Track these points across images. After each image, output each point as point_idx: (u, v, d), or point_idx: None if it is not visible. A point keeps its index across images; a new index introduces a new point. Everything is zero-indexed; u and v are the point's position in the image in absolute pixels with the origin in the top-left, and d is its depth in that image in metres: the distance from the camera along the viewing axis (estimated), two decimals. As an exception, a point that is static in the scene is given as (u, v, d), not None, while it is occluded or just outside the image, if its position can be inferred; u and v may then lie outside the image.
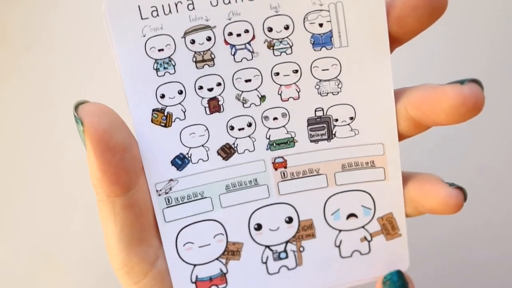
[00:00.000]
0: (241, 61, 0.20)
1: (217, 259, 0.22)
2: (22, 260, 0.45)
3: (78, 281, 0.45)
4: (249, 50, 0.20)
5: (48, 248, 0.45)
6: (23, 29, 0.42)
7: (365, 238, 0.22)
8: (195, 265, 0.22)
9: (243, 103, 0.20)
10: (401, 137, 0.21)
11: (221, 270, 0.22)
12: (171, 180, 0.21)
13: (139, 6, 0.19)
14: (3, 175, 0.43)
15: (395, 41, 0.19)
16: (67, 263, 0.45)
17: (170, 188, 0.21)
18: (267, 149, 0.21)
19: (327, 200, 0.22)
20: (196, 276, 0.22)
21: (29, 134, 0.43)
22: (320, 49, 0.20)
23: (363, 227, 0.22)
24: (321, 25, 0.19)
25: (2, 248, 0.45)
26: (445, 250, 0.44)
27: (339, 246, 0.22)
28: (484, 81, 0.18)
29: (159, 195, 0.21)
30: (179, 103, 0.20)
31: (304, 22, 0.19)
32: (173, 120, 0.20)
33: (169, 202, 0.21)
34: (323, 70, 0.20)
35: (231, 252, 0.22)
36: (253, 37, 0.20)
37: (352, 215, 0.22)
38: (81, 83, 0.43)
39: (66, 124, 0.42)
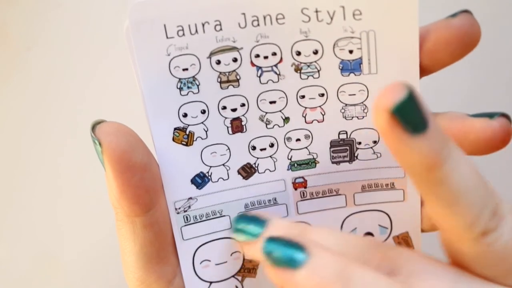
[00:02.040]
0: (267, 83, 0.20)
1: (233, 276, 0.22)
2: (22, 260, 0.44)
3: (78, 282, 0.45)
4: (275, 73, 0.20)
5: (48, 248, 0.44)
6: (23, 29, 0.41)
7: (381, 257, 0.23)
8: (211, 283, 0.22)
9: (266, 124, 0.20)
10: None
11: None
12: (190, 198, 0.21)
13: (164, 25, 0.19)
14: (3, 175, 0.43)
15: (424, 71, 0.19)
16: (68, 263, 0.45)
17: (189, 206, 0.21)
18: (288, 169, 0.21)
19: (344, 220, 0.22)
20: (212, 293, 0.22)
21: (29, 134, 0.42)
22: (349, 74, 0.20)
23: None
24: (351, 51, 0.19)
25: (2, 248, 0.44)
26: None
27: (354, 265, 0.23)
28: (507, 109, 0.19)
29: (178, 213, 0.21)
30: (202, 123, 0.20)
31: (334, 47, 0.19)
32: (194, 139, 0.20)
33: (187, 220, 0.21)
34: (349, 95, 0.20)
35: (247, 269, 0.22)
36: (281, 60, 0.19)
37: (368, 233, 0.22)
38: (81, 83, 0.42)
39: (66, 124, 0.42)
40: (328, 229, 0.18)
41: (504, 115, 0.18)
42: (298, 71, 0.20)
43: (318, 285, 0.15)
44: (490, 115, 0.18)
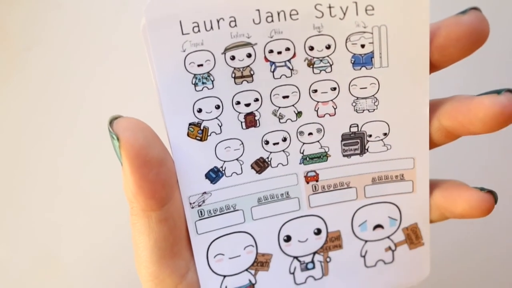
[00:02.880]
0: (280, 78, 0.20)
1: (246, 270, 0.22)
2: (22, 261, 0.44)
3: (78, 282, 0.45)
4: (288, 68, 0.20)
5: (48, 248, 0.44)
6: (23, 29, 0.41)
7: (390, 248, 0.23)
8: (224, 276, 0.22)
9: (279, 119, 0.21)
10: (431, 146, 0.21)
11: (250, 281, 0.22)
12: (204, 193, 0.21)
13: (180, 22, 0.19)
14: (3, 175, 0.43)
15: (433, 67, 0.20)
16: (68, 263, 0.45)
17: (203, 201, 0.21)
18: (300, 163, 0.22)
19: (355, 212, 0.22)
20: (226, 287, 0.22)
21: (29, 134, 0.42)
22: (360, 68, 0.20)
23: (388, 237, 0.23)
24: (363, 46, 0.20)
25: (2, 248, 0.44)
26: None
27: (364, 256, 0.23)
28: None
29: (192, 207, 0.21)
30: (216, 118, 0.20)
31: (346, 42, 0.20)
32: (209, 134, 0.20)
33: (201, 214, 0.21)
34: (361, 88, 0.20)
35: (260, 263, 0.22)
36: (294, 55, 0.20)
37: (378, 226, 0.23)
38: (81, 83, 0.42)
39: (66, 124, 0.42)
40: None
41: (511, 90, 0.18)
42: (311, 66, 0.20)
43: None
44: (498, 91, 0.18)
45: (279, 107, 0.21)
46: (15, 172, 0.43)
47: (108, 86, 0.43)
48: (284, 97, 0.20)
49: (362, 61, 0.20)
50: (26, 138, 0.42)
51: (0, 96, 0.42)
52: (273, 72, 0.20)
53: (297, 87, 0.20)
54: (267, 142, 0.21)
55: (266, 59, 0.20)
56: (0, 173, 0.43)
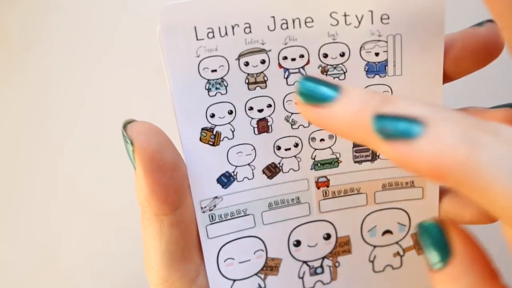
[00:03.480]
0: (294, 84, 0.20)
1: (256, 274, 0.22)
2: (22, 262, 0.44)
3: (78, 282, 0.45)
4: (302, 74, 0.20)
5: (48, 249, 0.44)
6: (23, 29, 0.41)
7: (398, 253, 0.23)
8: (234, 280, 0.22)
9: (291, 125, 0.21)
10: None
11: (259, 285, 0.22)
12: (216, 197, 0.21)
13: (195, 27, 0.19)
14: (3, 175, 0.42)
15: (447, 78, 0.20)
16: (68, 263, 0.44)
17: (215, 205, 0.21)
18: (311, 169, 0.22)
19: (365, 218, 0.23)
20: (235, 291, 0.22)
21: (29, 134, 0.42)
22: (374, 76, 0.20)
23: (397, 242, 0.23)
24: (377, 54, 0.20)
25: (2, 248, 0.44)
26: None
27: (372, 261, 0.23)
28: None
29: (204, 212, 0.21)
30: (229, 123, 0.20)
31: (360, 50, 0.20)
32: (221, 139, 0.20)
33: (212, 219, 0.21)
34: None
35: (270, 267, 0.22)
36: (308, 62, 0.20)
37: (387, 231, 0.23)
38: (81, 83, 0.42)
39: (66, 124, 0.42)
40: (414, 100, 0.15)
41: None
42: (325, 73, 0.20)
43: (441, 151, 0.13)
44: (511, 105, 0.19)
45: (292, 113, 0.21)
46: (15, 172, 0.43)
47: (108, 86, 0.42)
48: None
49: (376, 69, 0.20)
50: (26, 138, 0.42)
51: (0, 96, 0.41)
52: (286, 78, 0.20)
53: None
54: (279, 148, 0.21)
55: (280, 66, 0.20)
56: (0, 173, 0.42)
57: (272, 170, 0.21)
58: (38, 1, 0.41)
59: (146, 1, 0.41)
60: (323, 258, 0.23)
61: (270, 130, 0.21)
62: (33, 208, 0.43)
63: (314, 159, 0.21)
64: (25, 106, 0.42)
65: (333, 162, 0.22)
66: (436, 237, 0.15)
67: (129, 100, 0.42)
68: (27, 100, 0.42)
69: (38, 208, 0.43)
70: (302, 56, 0.20)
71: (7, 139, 0.42)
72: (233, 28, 0.19)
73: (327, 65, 0.20)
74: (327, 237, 0.23)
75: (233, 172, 0.21)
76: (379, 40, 0.20)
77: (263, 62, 0.20)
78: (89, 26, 0.42)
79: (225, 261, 0.22)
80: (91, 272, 0.45)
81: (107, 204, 0.44)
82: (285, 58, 0.20)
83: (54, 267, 0.44)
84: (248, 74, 0.20)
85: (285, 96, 0.20)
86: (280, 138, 0.21)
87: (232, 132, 0.20)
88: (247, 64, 0.20)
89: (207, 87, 0.20)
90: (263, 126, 0.21)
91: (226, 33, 0.19)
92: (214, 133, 0.20)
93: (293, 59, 0.20)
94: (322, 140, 0.21)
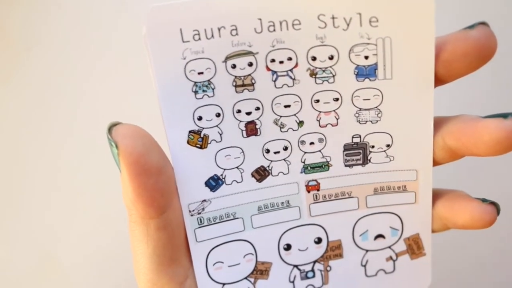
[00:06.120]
0: (282, 87, 0.20)
1: (245, 278, 0.22)
2: (23, 261, 0.44)
3: (78, 282, 0.45)
4: (290, 77, 0.20)
5: (48, 248, 0.44)
6: (23, 29, 0.41)
7: (391, 257, 0.23)
8: (224, 284, 0.22)
9: (280, 128, 0.20)
10: (434, 164, 0.21)
11: None
12: (204, 200, 0.21)
13: (181, 29, 0.19)
14: (3, 175, 0.43)
15: (438, 81, 0.20)
16: (68, 264, 0.45)
17: (203, 209, 0.21)
18: (301, 172, 0.21)
19: (356, 222, 0.22)
20: (225, 295, 0.22)
21: (29, 134, 0.42)
22: (363, 80, 0.20)
23: (389, 247, 0.23)
24: (366, 57, 0.19)
25: (2, 249, 0.44)
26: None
27: (365, 266, 0.23)
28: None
29: (192, 215, 0.21)
30: (216, 126, 0.20)
31: (349, 53, 0.19)
32: (209, 142, 0.20)
33: (201, 222, 0.21)
34: (364, 99, 0.20)
35: (260, 271, 0.22)
36: (296, 65, 0.20)
37: (379, 235, 0.23)
38: (80, 83, 0.42)
39: (66, 123, 0.42)
40: None
41: None
42: (313, 76, 0.20)
43: None
44: (504, 115, 0.18)
45: (281, 116, 0.20)
46: (15, 172, 0.43)
47: (108, 87, 0.42)
48: (285, 106, 0.20)
49: (366, 72, 0.20)
50: (26, 139, 0.42)
51: (0, 96, 0.42)
52: (274, 81, 0.20)
53: (299, 96, 0.20)
54: (268, 151, 0.21)
55: (268, 68, 0.20)
56: (0, 173, 0.43)
57: (261, 173, 0.21)
58: (38, 1, 0.41)
59: (146, 1, 0.41)
60: (314, 262, 0.23)
61: (258, 133, 0.20)
62: (33, 209, 0.43)
63: (304, 162, 0.21)
64: (25, 106, 0.42)
65: (324, 166, 0.21)
66: None
67: (129, 100, 0.42)
68: (27, 100, 0.42)
69: (38, 208, 0.43)
70: (290, 58, 0.19)
71: (7, 139, 0.42)
72: (219, 30, 0.19)
73: (316, 68, 0.20)
74: (318, 241, 0.22)
75: (222, 175, 0.21)
76: (368, 43, 0.19)
77: (250, 64, 0.19)
78: (88, 26, 0.42)
79: (214, 264, 0.22)
80: (91, 272, 0.45)
81: (107, 205, 0.44)
82: (273, 60, 0.19)
83: (53, 267, 0.45)
84: (236, 76, 0.19)
85: (274, 99, 0.20)
86: (269, 141, 0.21)
87: (220, 135, 0.20)
88: (234, 66, 0.19)
89: (194, 90, 0.19)
90: (251, 129, 0.20)
91: (212, 35, 0.19)
92: (202, 136, 0.20)
93: (281, 62, 0.19)
94: (312, 143, 0.21)
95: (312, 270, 0.23)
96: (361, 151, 0.21)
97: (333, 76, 0.20)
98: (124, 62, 0.42)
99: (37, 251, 0.45)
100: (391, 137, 0.21)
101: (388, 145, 0.21)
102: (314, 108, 0.20)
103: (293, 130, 0.21)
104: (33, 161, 0.43)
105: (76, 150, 0.43)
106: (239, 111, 0.20)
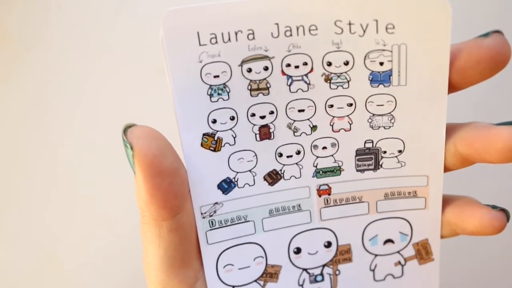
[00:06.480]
0: (296, 91, 0.20)
1: (255, 281, 0.22)
2: (23, 261, 0.44)
3: (78, 283, 0.45)
4: (305, 82, 0.20)
5: (48, 249, 0.44)
6: (23, 29, 0.41)
7: (399, 262, 0.23)
8: (233, 287, 0.22)
9: (294, 132, 0.21)
10: (445, 170, 0.21)
11: None
12: (216, 203, 0.21)
13: (198, 33, 0.19)
14: (3, 175, 0.43)
15: (452, 88, 0.20)
16: (68, 264, 0.45)
17: (215, 211, 0.21)
18: (313, 177, 0.21)
19: (366, 226, 0.22)
20: (234, 297, 0.22)
21: (29, 134, 0.42)
22: (378, 85, 0.20)
23: (398, 252, 0.23)
24: (381, 63, 0.20)
25: (2, 249, 0.44)
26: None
27: (373, 270, 0.23)
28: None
29: (204, 217, 0.21)
30: (230, 129, 0.20)
31: (365, 59, 0.20)
32: (222, 145, 0.20)
33: (212, 224, 0.21)
34: (377, 105, 0.20)
35: (270, 274, 0.22)
36: (311, 70, 0.20)
37: (389, 240, 0.23)
38: (80, 83, 0.42)
39: (66, 124, 0.42)
40: None
41: None
42: (328, 81, 0.20)
43: None
44: None
45: (294, 120, 0.21)
46: (15, 172, 0.43)
47: (108, 87, 0.42)
48: (299, 110, 0.20)
49: (380, 78, 0.20)
50: (26, 139, 0.42)
51: (0, 96, 0.41)
52: (289, 85, 0.20)
53: (313, 101, 0.20)
54: (280, 155, 0.21)
55: (283, 73, 0.20)
56: (0, 173, 0.43)
57: (273, 177, 0.21)
58: (38, 1, 0.41)
59: (146, 1, 0.41)
60: (324, 266, 0.23)
61: (272, 137, 0.21)
62: (33, 209, 0.43)
63: (316, 166, 0.21)
64: (24, 106, 0.42)
65: (335, 170, 0.21)
66: None
67: (130, 101, 0.43)
68: (27, 100, 0.42)
69: (38, 208, 0.43)
70: (305, 63, 0.20)
71: (7, 139, 0.42)
72: (236, 34, 0.19)
73: (331, 73, 0.20)
74: (328, 245, 0.22)
75: (234, 178, 0.21)
76: (383, 50, 0.19)
77: (266, 68, 0.19)
78: (88, 26, 0.42)
79: (224, 267, 0.22)
80: (91, 273, 0.45)
81: (108, 205, 0.44)
82: (288, 65, 0.20)
83: (54, 268, 0.44)
84: (251, 80, 0.20)
85: (288, 103, 0.20)
86: (282, 145, 0.21)
87: (234, 138, 0.20)
88: (250, 70, 0.19)
89: (209, 93, 0.20)
90: (265, 133, 0.20)
91: (229, 39, 0.19)
92: (216, 138, 0.20)
93: (297, 67, 0.20)
94: (324, 148, 0.21)
95: (321, 274, 0.23)
96: (373, 156, 0.21)
97: (348, 81, 0.20)
98: (124, 62, 0.42)
99: (37, 251, 0.45)
100: (403, 142, 0.21)
101: (400, 151, 0.21)
102: (328, 113, 0.21)
103: (306, 135, 0.21)
104: (33, 161, 0.43)
105: (76, 150, 0.43)
106: (253, 115, 0.20)
